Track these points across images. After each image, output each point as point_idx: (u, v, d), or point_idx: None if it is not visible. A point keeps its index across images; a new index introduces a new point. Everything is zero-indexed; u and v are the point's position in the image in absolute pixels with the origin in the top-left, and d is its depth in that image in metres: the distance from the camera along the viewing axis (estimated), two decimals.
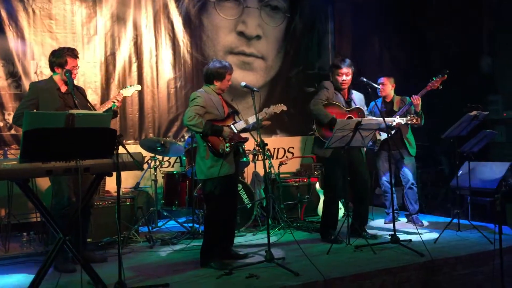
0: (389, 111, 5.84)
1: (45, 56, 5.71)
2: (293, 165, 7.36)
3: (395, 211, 5.75)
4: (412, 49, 8.53)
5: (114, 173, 3.57)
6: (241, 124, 4.52)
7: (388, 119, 5.24)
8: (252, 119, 4.54)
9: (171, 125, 6.98)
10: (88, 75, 6.46)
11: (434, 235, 5.17)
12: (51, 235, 4.58)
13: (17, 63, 6.09)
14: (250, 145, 5.82)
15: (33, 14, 6.18)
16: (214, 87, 4.48)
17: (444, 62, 7.51)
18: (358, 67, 7.77)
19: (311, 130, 5.16)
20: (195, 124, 4.23)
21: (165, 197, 6.03)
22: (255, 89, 4.48)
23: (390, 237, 4.82)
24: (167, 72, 6.97)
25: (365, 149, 5.88)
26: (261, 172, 6.47)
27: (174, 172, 6.09)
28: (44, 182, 5.48)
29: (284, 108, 4.82)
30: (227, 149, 4.31)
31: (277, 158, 7.51)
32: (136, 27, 6.77)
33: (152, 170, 5.84)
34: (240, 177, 5.97)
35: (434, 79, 5.62)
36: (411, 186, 5.88)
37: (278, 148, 7.66)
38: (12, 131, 6.07)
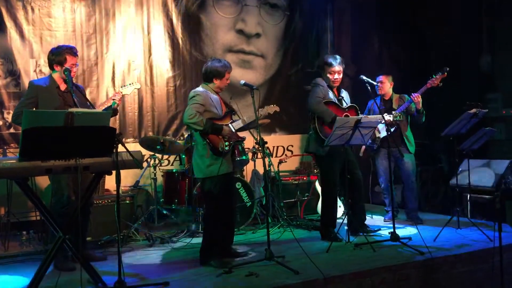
0: (388, 109, 5.83)
1: (44, 54, 5.72)
2: (292, 163, 7.36)
3: (395, 209, 5.75)
4: (412, 48, 8.52)
5: (114, 172, 3.57)
6: (238, 123, 4.52)
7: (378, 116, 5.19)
8: (248, 119, 4.54)
9: (170, 124, 6.97)
10: (87, 73, 6.46)
11: (433, 233, 5.16)
12: (50, 233, 4.59)
13: (16, 61, 6.08)
14: (249, 143, 5.82)
15: (32, 12, 6.17)
16: (213, 85, 4.48)
17: (444, 60, 7.50)
18: (358, 66, 7.83)
19: (310, 128, 5.14)
20: (195, 122, 4.23)
21: (165, 195, 6.02)
22: (255, 87, 4.47)
23: (389, 235, 4.83)
24: (166, 71, 6.96)
25: (363, 147, 5.89)
26: (260, 170, 6.46)
27: (174, 171, 6.08)
28: (43, 181, 5.48)
29: (277, 109, 4.79)
30: (226, 148, 4.32)
31: (276, 156, 7.50)
32: (135, 26, 6.77)
33: (152, 169, 5.84)
34: (239, 175, 5.98)
35: (434, 76, 5.62)
36: (411, 183, 5.88)
37: (278, 146, 7.66)
38: (11, 130, 6.06)
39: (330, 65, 5.08)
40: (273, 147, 7.61)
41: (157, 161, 5.89)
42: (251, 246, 4.95)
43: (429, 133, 7.52)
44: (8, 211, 5.38)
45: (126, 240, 5.24)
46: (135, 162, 3.66)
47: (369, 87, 5.11)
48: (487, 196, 6.20)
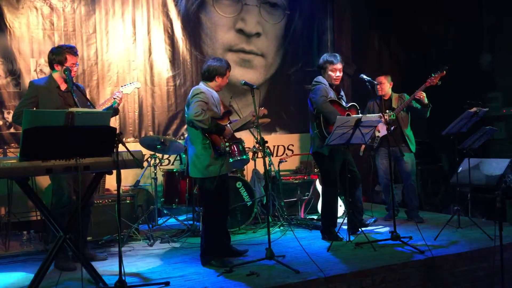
0: (388, 108, 5.83)
1: (45, 54, 5.71)
2: (293, 163, 7.36)
3: (395, 208, 5.75)
4: (412, 47, 8.53)
5: (114, 171, 3.57)
6: (236, 124, 4.51)
7: (376, 115, 5.19)
8: (245, 119, 4.52)
9: (170, 123, 6.97)
10: (87, 73, 6.46)
11: (434, 231, 5.16)
12: (51, 233, 4.59)
13: (17, 61, 6.08)
14: (250, 142, 5.82)
15: (33, 12, 6.17)
16: (215, 84, 4.47)
17: (444, 59, 7.51)
18: (358, 64, 7.83)
19: (314, 127, 5.11)
20: (202, 120, 4.20)
21: (165, 195, 6.03)
22: (255, 86, 4.46)
23: (390, 234, 4.83)
24: (166, 70, 6.96)
25: (363, 146, 5.88)
26: (261, 169, 6.45)
27: (174, 170, 6.08)
28: (44, 181, 5.48)
29: (265, 112, 4.66)
30: (227, 148, 4.31)
31: (276, 155, 7.51)
32: (135, 25, 6.76)
33: (152, 168, 5.84)
34: (240, 175, 5.98)
35: (433, 75, 5.61)
36: (411, 182, 5.88)
37: (278, 146, 7.66)
38: (12, 130, 6.06)
39: (331, 62, 5.07)
40: (274, 146, 7.60)
41: (157, 161, 5.89)
42: (251, 246, 4.95)
43: (430, 132, 7.53)
44: (8, 211, 5.38)
45: (126, 239, 5.24)
46: (136, 161, 3.66)
47: (369, 86, 5.11)
48: (487, 195, 6.20)
